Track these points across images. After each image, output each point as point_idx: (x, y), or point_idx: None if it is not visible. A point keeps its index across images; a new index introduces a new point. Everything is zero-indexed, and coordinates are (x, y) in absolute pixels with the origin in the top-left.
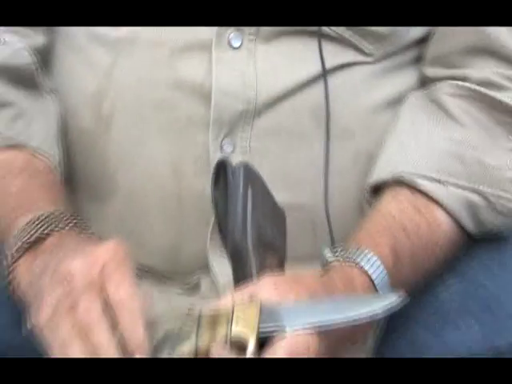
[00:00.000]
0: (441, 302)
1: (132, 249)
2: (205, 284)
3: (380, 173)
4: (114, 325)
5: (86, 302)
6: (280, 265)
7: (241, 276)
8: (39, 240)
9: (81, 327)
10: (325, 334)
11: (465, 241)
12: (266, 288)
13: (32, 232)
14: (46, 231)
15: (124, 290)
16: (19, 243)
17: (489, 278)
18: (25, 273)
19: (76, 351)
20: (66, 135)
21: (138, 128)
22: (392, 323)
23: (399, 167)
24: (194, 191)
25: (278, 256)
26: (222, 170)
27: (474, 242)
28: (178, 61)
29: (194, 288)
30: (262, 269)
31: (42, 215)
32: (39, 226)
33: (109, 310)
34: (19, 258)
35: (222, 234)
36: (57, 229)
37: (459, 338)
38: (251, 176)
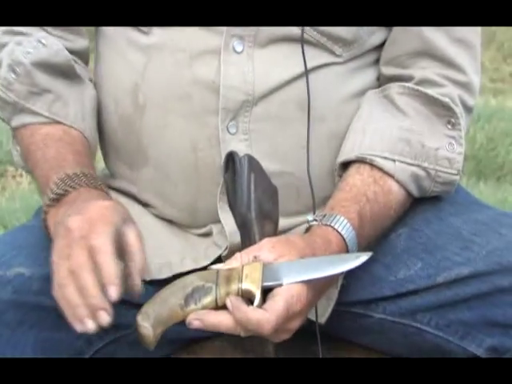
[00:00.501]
0: (393, 246)
1: (160, 205)
2: (215, 231)
3: (347, 154)
4: (96, 268)
5: (76, 251)
6: (275, 231)
7: (247, 241)
8: (65, 193)
9: (72, 271)
10: (312, 284)
11: (411, 202)
12: (266, 249)
13: (60, 186)
14: (70, 187)
15: (102, 239)
16: (51, 195)
17: (428, 226)
18: (52, 220)
19: (70, 291)
20: (108, 118)
21: (165, 114)
22: None
23: (361, 149)
24: (207, 161)
25: (274, 224)
26: (230, 159)
27: (418, 201)
28: (195, 63)
29: (207, 235)
30: (262, 235)
31: (69, 174)
32: (66, 182)
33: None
34: (51, 206)
35: (231, 208)
36: (77, 186)
37: (407, 272)
38: (253, 164)
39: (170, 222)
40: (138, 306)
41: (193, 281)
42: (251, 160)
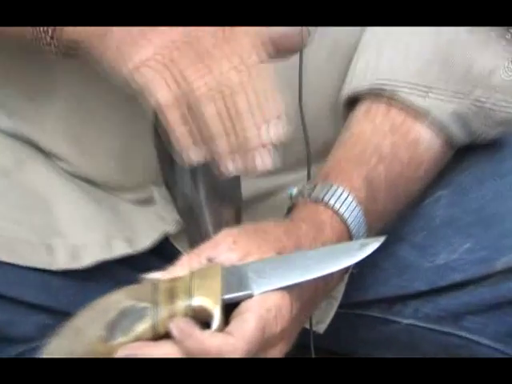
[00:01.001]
0: (429, 217)
1: (74, 156)
2: (159, 197)
3: (355, 83)
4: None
5: (222, 62)
6: (237, 218)
7: (196, 235)
8: None
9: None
10: (297, 292)
11: (453, 153)
12: (225, 246)
13: None
14: None
15: (255, 56)
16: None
17: (480, 187)
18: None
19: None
20: None
21: None
22: None
23: (376, 75)
24: None
25: (235, 208)
26: None
27: (464, 151)
28: None
29: (146, 202)
30: (218, 225)
31: None
32: None
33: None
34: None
35: (170, 189)
36: None
37: (450, 256)
38: None
39: (89, 182)
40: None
41: (119, 300)
42: None
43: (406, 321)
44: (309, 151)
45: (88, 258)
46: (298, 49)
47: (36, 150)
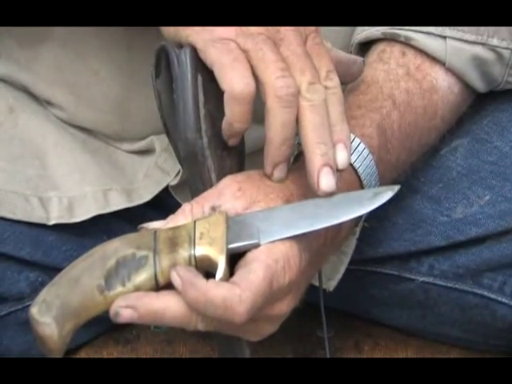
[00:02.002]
0: (445, 168)
1: (70, 104)
2: (160, 147)
3: (368, 30)
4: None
5: (309, 74)
6: (240, 166)
7: (198, 184)
8: None
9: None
10: (306, 242)
11: (472, 100)
12: (229, 193)
13: None
14: None
15: (335, 80)
16: None
17: (501, 136)
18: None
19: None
20: None
21: None
22: None
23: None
24: (144, 39)
25: (238, 156)
26: (163, 57)
27: (484, 98)
28: None
29: (146, 152)
30: (222, 172)
31: None
32: None
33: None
34: None
35: (170, 136)
36: None
37: (468, 209)
38: (198, 61)
39: (84, 131)
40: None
41: (117, 248)
42: (195, 54)
43: (420, 278)
44: None
45: (83, 213)
46: (353, 79)
47: (29, 98)
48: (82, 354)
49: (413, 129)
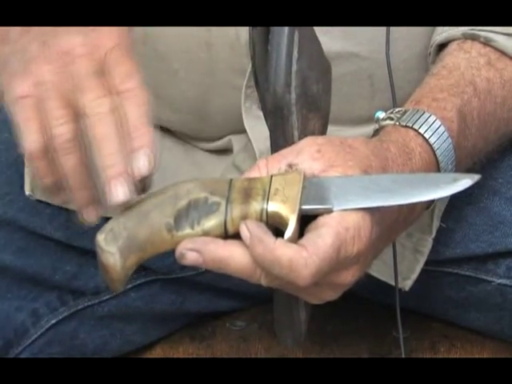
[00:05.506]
0: None
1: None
2: (237, 147)
3: (448, 29)
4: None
5: (91, 93)
6: (323, 130)
7: (279, 139)
8: None
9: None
10: (379, 217)
11: None
12: (309, 154)
13: None
14: None
15: (132, 82)
16: None
17: None
18: None
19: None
20: None
21: None
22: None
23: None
24: (225, 37)
25: (322, 118)
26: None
27: None
28: None
29: (223, 152)
30: (304, 131)
31: None
32: None
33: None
34: None
35: (259, 87)
36: None
37: None
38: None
39: (166, 131)
40: None
41: (190, 190)
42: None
43: (497, 280)
44: (394, 99)
45: None
46: None
47: None
48: (158, 350)
49: (491, 118)
